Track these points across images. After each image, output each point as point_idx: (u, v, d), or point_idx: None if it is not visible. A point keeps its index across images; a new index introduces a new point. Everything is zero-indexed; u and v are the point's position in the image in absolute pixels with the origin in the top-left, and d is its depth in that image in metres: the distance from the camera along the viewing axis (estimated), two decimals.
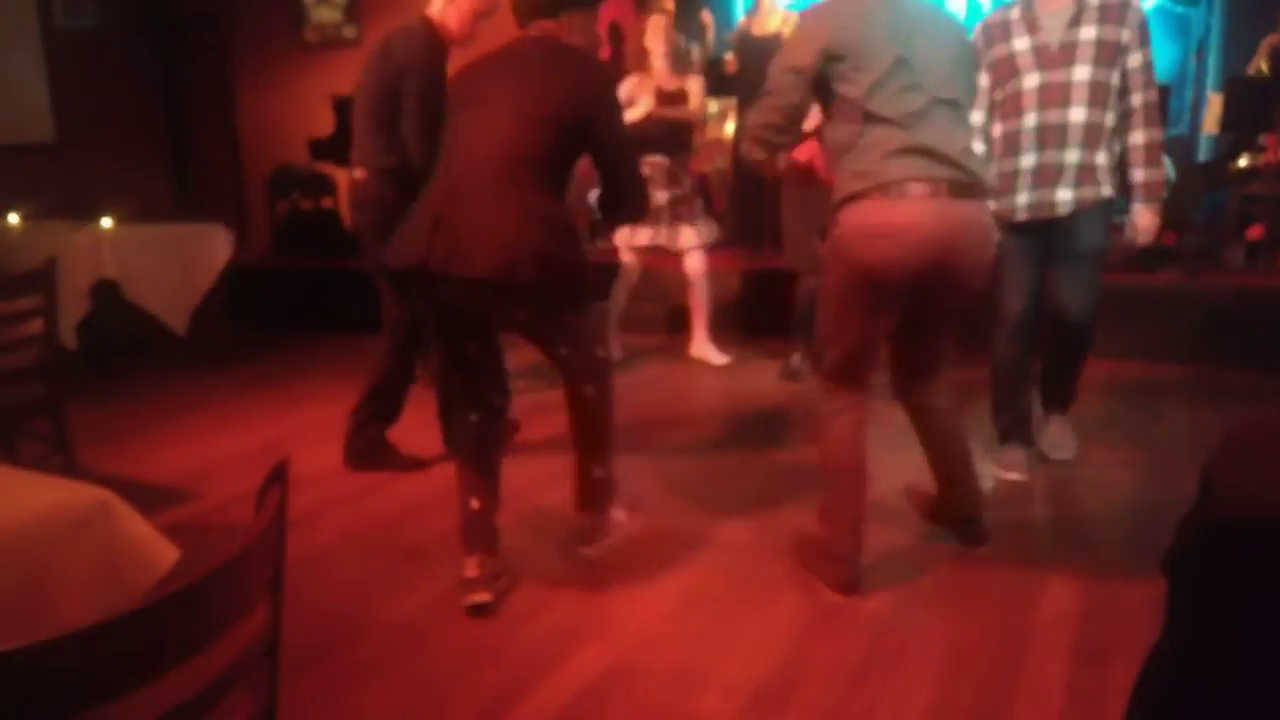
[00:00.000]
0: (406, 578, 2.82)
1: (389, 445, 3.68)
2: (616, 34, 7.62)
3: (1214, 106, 5.27)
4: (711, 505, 3.28)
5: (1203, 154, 6.41)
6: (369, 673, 2.35)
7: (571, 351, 2.68)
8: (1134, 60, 3.17)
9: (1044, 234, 3.29)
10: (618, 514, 3.05)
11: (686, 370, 5.11)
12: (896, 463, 3.30)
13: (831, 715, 2.13)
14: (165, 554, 1.42)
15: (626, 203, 2.77)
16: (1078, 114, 3.15)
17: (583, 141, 2.59)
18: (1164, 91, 5.44)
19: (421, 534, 3.11)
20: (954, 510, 2.87)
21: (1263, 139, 5.21)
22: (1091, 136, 3.16)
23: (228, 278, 5.58)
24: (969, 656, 2.35)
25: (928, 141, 2.42)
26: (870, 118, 2.44)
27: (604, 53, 6.82)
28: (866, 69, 2.43)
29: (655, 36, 4.85)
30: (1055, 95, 3.16)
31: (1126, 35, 3.13)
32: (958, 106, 2.54)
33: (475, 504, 2.70)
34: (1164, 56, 6.60)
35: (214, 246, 5.38)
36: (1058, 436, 3.63)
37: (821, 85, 2.52)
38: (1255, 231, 5.25)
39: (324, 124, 6.95)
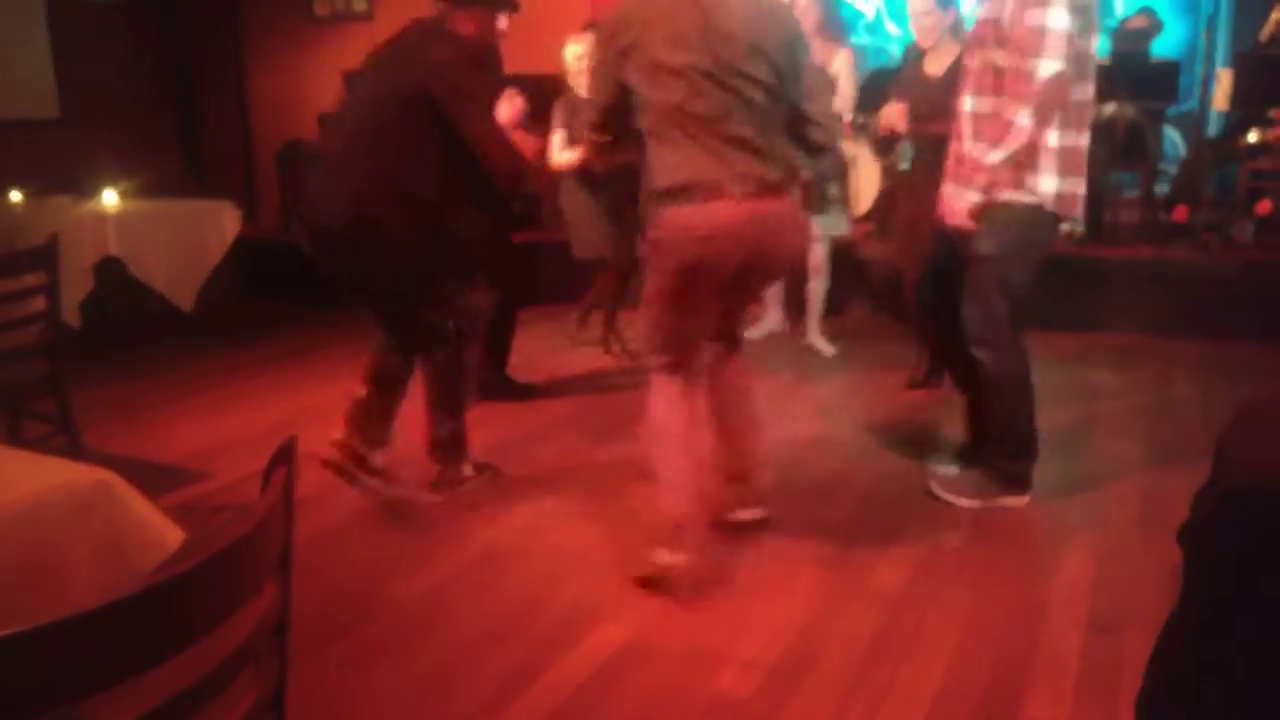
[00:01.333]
0: (420, 555, 2.80)
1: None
2: None
3: (1224, 82, 5.21)
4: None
5: (1213, 130, 6.34)
6: (384, 651, 2.33)
7: (414, 316, 2.95)
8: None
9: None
10: (466, 469, 3.22)
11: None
12: (909, 440, 3.28)
13: (848, 690, 2.11)
14: (170, 535, 1.40)
15: (495, 179, 2.91)
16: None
17: (435, 116, 2.74)
18: (1174, 67, 5.38)
19: (435, 511, 3.09)
20: (731, 472, 2.82)
21: (1273, 114, 5.14)
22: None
23: (237, 253, 5.54)
24: (984, 630, 2.33)
25: (737, 140, 2.42)
26: (680, 113, 2.40)
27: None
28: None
29: (806, 10, 4.39)
30: None
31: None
32: (777, 100, 2.49)
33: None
34: (1174, 33, 6.52)
35: (221, 222, 5.34)
36: (950, 484, 3.10)
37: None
38: (1265, 206, 5.20)
39: (334, 99, 6.88)
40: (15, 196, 5.30)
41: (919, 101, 3.68)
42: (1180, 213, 5.53)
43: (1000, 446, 2.98)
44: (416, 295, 2.96)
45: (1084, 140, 2.82)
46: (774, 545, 2.79)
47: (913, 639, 2.29)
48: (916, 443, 3.57)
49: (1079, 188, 2.84)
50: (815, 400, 4.17)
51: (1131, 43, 5.55)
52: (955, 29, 3.70)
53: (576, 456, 3.52)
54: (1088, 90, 2.81)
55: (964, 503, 3.00)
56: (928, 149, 3.58)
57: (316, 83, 7.43)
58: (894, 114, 3.78)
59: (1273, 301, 4.69)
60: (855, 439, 3.66)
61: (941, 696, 2.08)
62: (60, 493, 1.38)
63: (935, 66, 3.69)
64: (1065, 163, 2.79)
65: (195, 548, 1.17)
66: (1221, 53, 6.57)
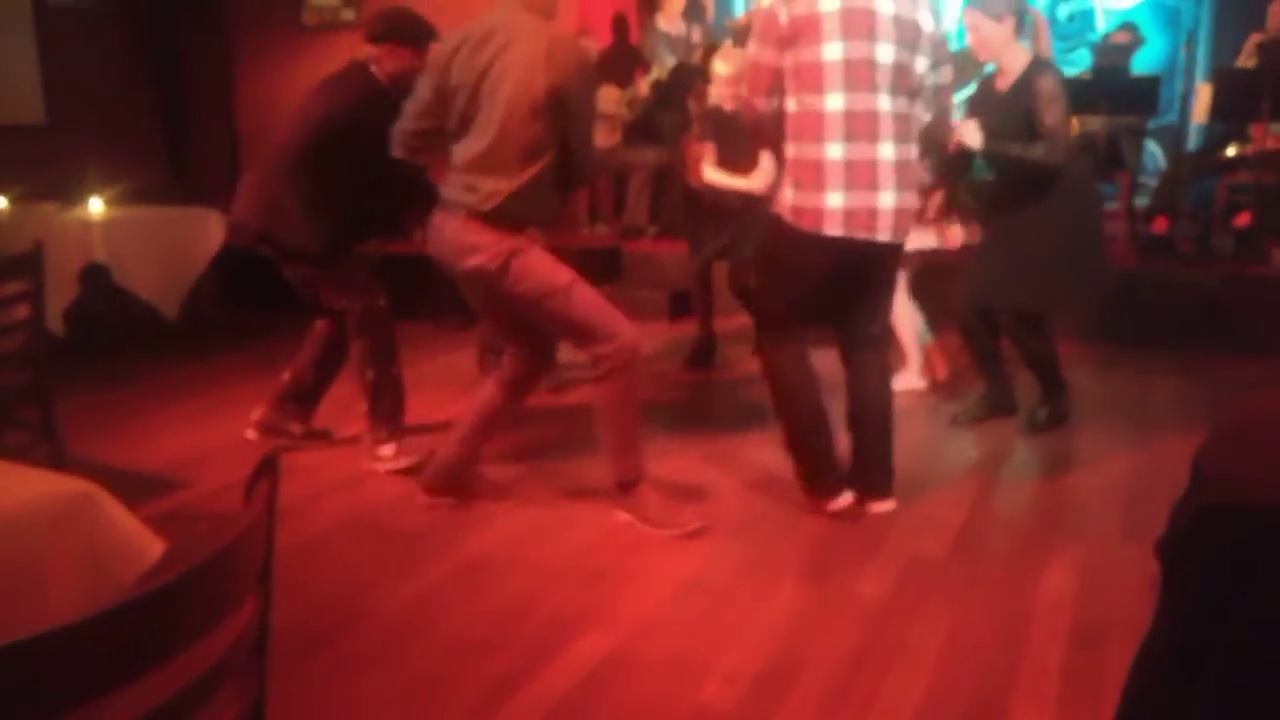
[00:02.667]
0: (403, 565, 2.80)
1: None
2: (623, 25, 7.59)
3: (1204, 96, 5.29)
4: (709, 492, 3.26)
5: (1193, 143, 6.43)
6: (367, 662, 2.32)
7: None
8: None
9: None
10: (386, 450, 3.52)
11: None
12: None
13: (832, 702, 2.11)
14: (151, 546, 1.39)
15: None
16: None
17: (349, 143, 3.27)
18: (1155, 82, 5.45)
19: (417, 521, 3.08)
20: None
21: (1251, 128, 5.21)
22: None
23: (224, 261, 5.52)
24: (967, 642, 2.34)
25: (459, 162, 2.83)
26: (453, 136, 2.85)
27: (606, 42, 6.79)
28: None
29: None
30: None
31: None
32: (497, 116, 2.75)
33: None
34: (1155, 47, 6.64)
35: (208, 230, 5.32)
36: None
37: None
38: (1243, 219, 5.28)
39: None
40: (0, 203, 5.27)
41: (990, 118, 3.44)
42: (1160, 224, 5.60)
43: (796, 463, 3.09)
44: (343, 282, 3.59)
45: (835, 152, 2.67)
46: (757, 556, 2.80)
47: (896, 651, 2.30)
48: (899, 455, 3.58)
49: (845, 201, 2.69)
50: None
51: (1113, 57, 5.63)
52: (1023, 32, 3.48)
53: (561, 466, 3.52)
54: (869, 100, 2.66)
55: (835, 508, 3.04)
56: (1000, 168, 3.61)
57: (305, 90, 7.42)
58: (969, 130, 3.43)
59: (1252, 313, 4.75)
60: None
61: (925, 709, 2.08)
62: (42, 504, 1.37)
63: (1002, 80, 3.48)
64: (799, 176, 2.72)
65: (176, 559, 1.17)
66: (1202, 67, 6.67)
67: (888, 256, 2.88)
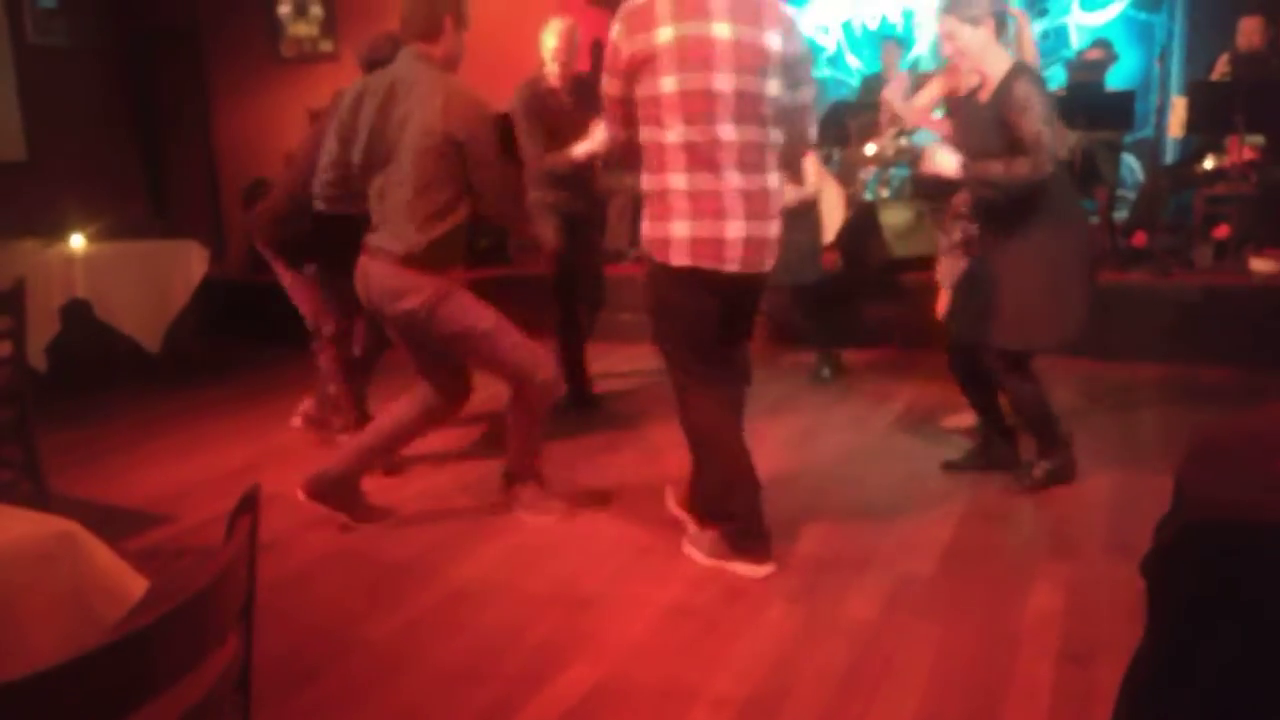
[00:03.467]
0: (389, 596, 2.78)
1: None
2: (600, 51, 7.64)
3: (1178, 110, 5.36)
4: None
5: (1169, 156, 6.51)
6: (354, 695, 2.31)
7: None
8: None
9: None
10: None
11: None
12: (879, 471, 3.30)
13: None
14: (133, 584, 1.38)
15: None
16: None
17: None
18: (1129, 97, 5.53)
19: (402, 552, 3.07)
20: None
21: (1226, 141, 5.28)
22: None
23: (204, 293, 5.52)
24: (956, 661, 2.34)
25: (380, 209, 3.00)
26: None
27: (584, 67, 6.85)
28: None
29: None
30: None
31: None
32: (404, 166, 2.91)
33: None
34: (1129, 62, 6.74)
35: (189, 263, 5.32)
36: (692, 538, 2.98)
37: None
38: (1222, 231, 5.34)
39: (300, 138, 6.90)
40: None
41: (974, 137, 3.20)
42: (1139, 238, 5.66)
43: (718, 512, 2.88)
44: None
45: (680, 183, 2.61)
46: (742, 579, 2.79)
47: (885, 671, 2.30)
48: (886, 474, 3.60)
49: (691, 231, 2.61)
50: (784, 432, 4.19)
51: (1087, 74, 5.71)
52: (1004, 36, 3.18)
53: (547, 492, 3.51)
54: (710, 130, 2.56)
55: (699, 558, 2.89)
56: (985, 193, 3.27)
57: (282, 122, 7.46)
58: (941, 158, 3.19)
59: (1233, 324, 4.79)
60: (823, 471, 3.68)
61: None
62: (23, 544, 1.36)
63: (984, 91, 3.18)
64: (650, 207, 2.67)
65: (158, 598, 1.16)
66: (1175, 81, 6.77)
67: (748, 288, 2.75)
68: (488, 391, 4.84)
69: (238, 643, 1.02)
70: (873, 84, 6.93)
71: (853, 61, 8.19)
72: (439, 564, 2.96)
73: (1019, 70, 3.06)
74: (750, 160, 2.61)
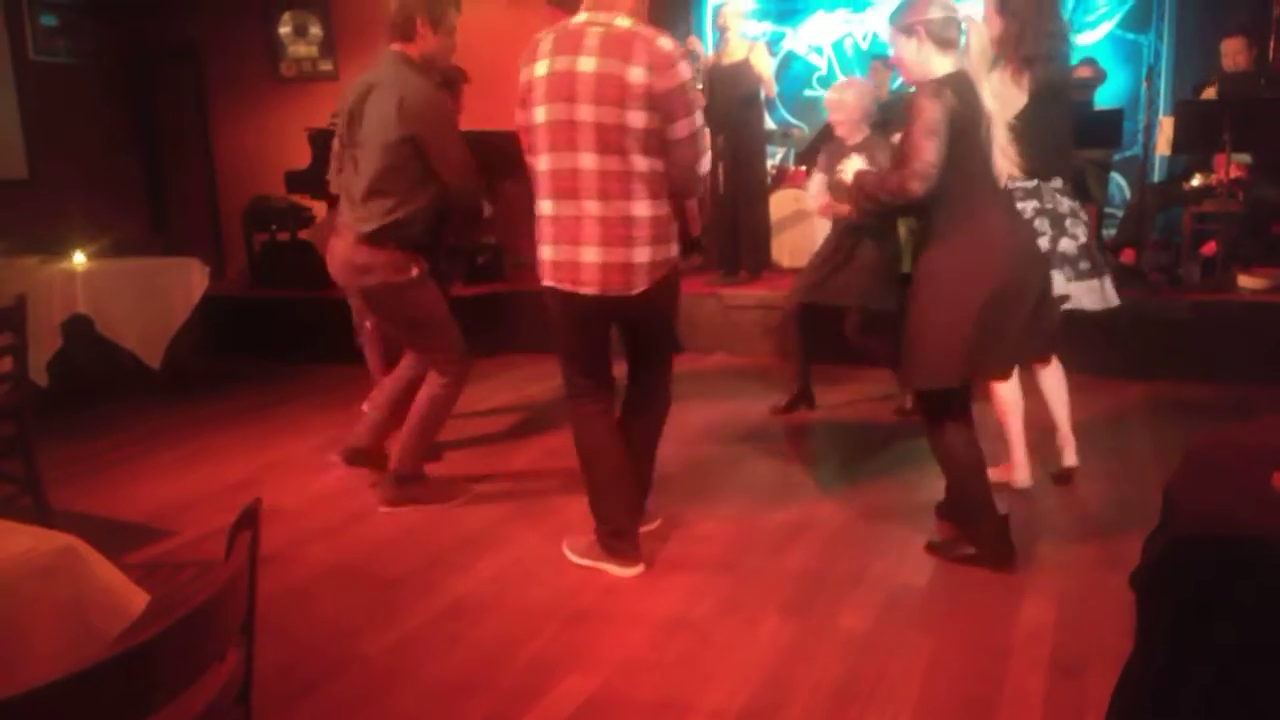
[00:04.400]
0: (387, 610, 2.80)
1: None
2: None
3: (1166, 129, 5.42)
4: (690, 529, 3.29)
5: (1157, 174, 6.57)
6: (352, 708, 2.33)
7: None
8: None
9: None
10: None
11: None
12: (872, 485, 3.32)
13: None
14: (134, 599, 1.41)
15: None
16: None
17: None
18: (1118, 115, 5.58)
19: (400, 566, 3.09)
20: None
21: (1213, 159, 5.33)
22: None
23: (205, 310, 5.55)
24: (949, 673, 2.36)
25: (351, 193, 3.34)
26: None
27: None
28: None
29: None
30: None
31: None
32: (368, 154, 3.24)
33: None
34: (1117, 82, 6.81)
35: (189, 280, 5.36)
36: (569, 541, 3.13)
37: None
38: (1210, 248, 5.39)
39: (300, 156, 6.95)
40: None
41: None
42: (1128, 255, 5.70)
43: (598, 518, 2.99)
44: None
45: (546, 209, 2.80)
46: (739, 592, 2.82)
47: (878, 684, 2.32)
48: (880, 485, 3.62)
49: (552, 255, 2.81)
50: (778, 443, 4.22)
51: (1076, 92, 5.75)
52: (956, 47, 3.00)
53: (540, 507, 3.54)
54: (571, 159, 2.71)
55: (574, 559, 3.04)
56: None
57: (282, 141, 7.51)
58: (847, 169, 3.51)
59: (1221, 340, 4.83)
60: (815, 483, 3.71)
61: None
62: (25, 559, 1.39)
63: None
64: (541, 231, 2.86)
65: (159, 612, 1.19)
66: (1163, 100, 6.84)
67: (623, 311, 2.84)
68: (482, 405, 4.87)
69: (238, 657, 1.05)
70: None
71: (842, 78, 8.26)
72: (436, 578, 2.99)
73: (938, 83, 2.74)
74: (612, 189, 2.71)
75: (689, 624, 2.65)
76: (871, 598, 2.75)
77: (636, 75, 2.63)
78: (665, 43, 2.68)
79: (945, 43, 2.75)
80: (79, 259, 5.11)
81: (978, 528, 2.91)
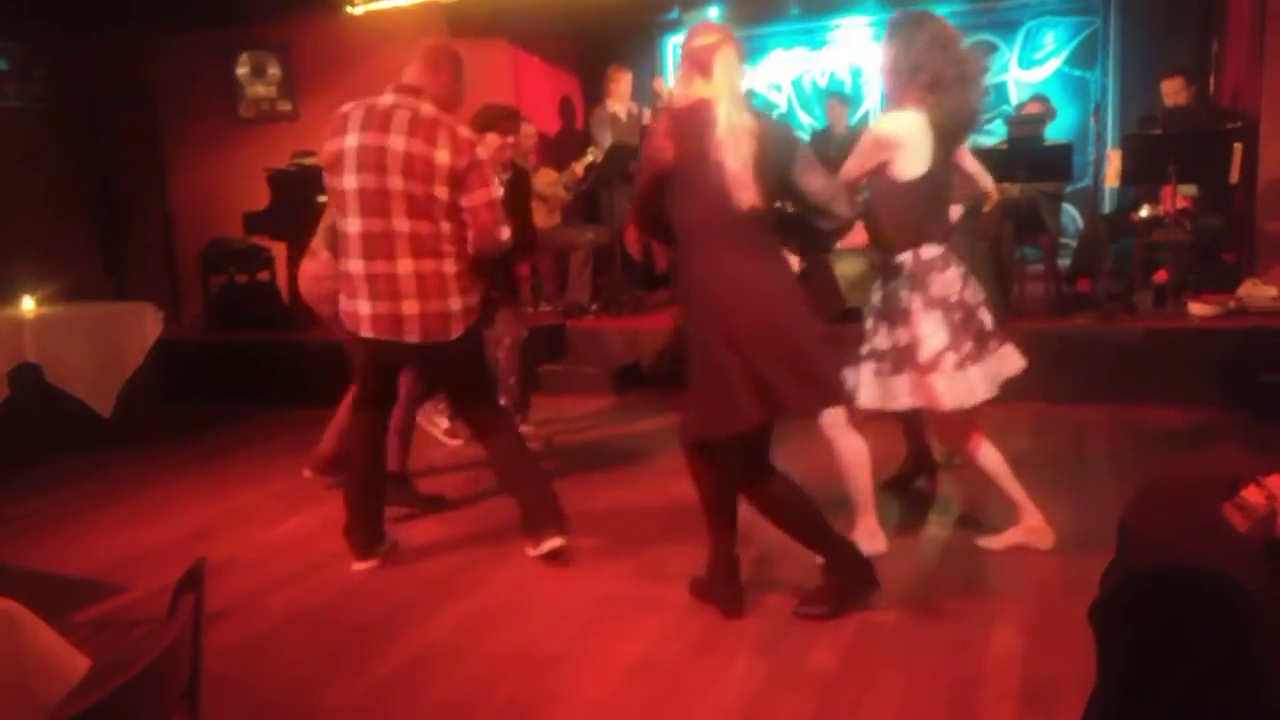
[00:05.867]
0: (351, 660, 2.73)
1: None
2: (569, 109, 7.79)
3: (1114, 162, 5.56)
4: (661, 569, 3.25)
5: (1108, 205, 6.73)
6: None
7: None
8: None
9: None
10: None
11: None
12: (838, 521, 3.30)
13: None
14: (74, 664, 1.35)
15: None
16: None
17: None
18: (1067, 149, 5.72)
19: (363, 615, 3.02)
20: None
21: (1161, 190, 5.47)
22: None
23: (159, 356, 5.45)
24: (919, 707, 2.35)
25: None
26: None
27: (554, 126, 6.97)
28: None
29: None
30: None
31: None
32: None
33: None
34: (1066, 117, 7.00)
35: (142, 325, 5.26)
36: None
37: None
38: (1161, 275, 5.51)
39: (259, 198, 6.90)
40: None
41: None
42: (1083, 284, 5.81)
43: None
44: None
45: (358, 268, 3.11)
46: (709, 633, 2.79)
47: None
48: (848, 519, 3.61)
49: (370, 309, 3.12)
50: None
51: (1027, 128, 5.90)
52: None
53: (505, 550, 3.49)
54: (384, 223, 3.06)
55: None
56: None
57: (240, 182, 7.45)
58: None
59: (1175, 366, 4.92)
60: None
61: None
62: None
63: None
64: (353, 288, 3.16)
65: (100, 678, 1.14)
66: (1111, 133, 7.03)
67: (433, 354, 3.21)
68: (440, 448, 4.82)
69: None
70: (821, 139, 7.10)
71: (804, 118, 8.40)
72: (400, 627, 2.92)
73: (667, 116, 2.80)
74: (420, 249, 3.08)
75: (660, 666, 2.61)
76: (840, 634, 2.73)
77: (441, 156, 3.03)
78: (463, 130, 3.11)
79: (705, 70, 2.64)
80: (28, 305, 5.00)
81: (833, 571, 2.83)
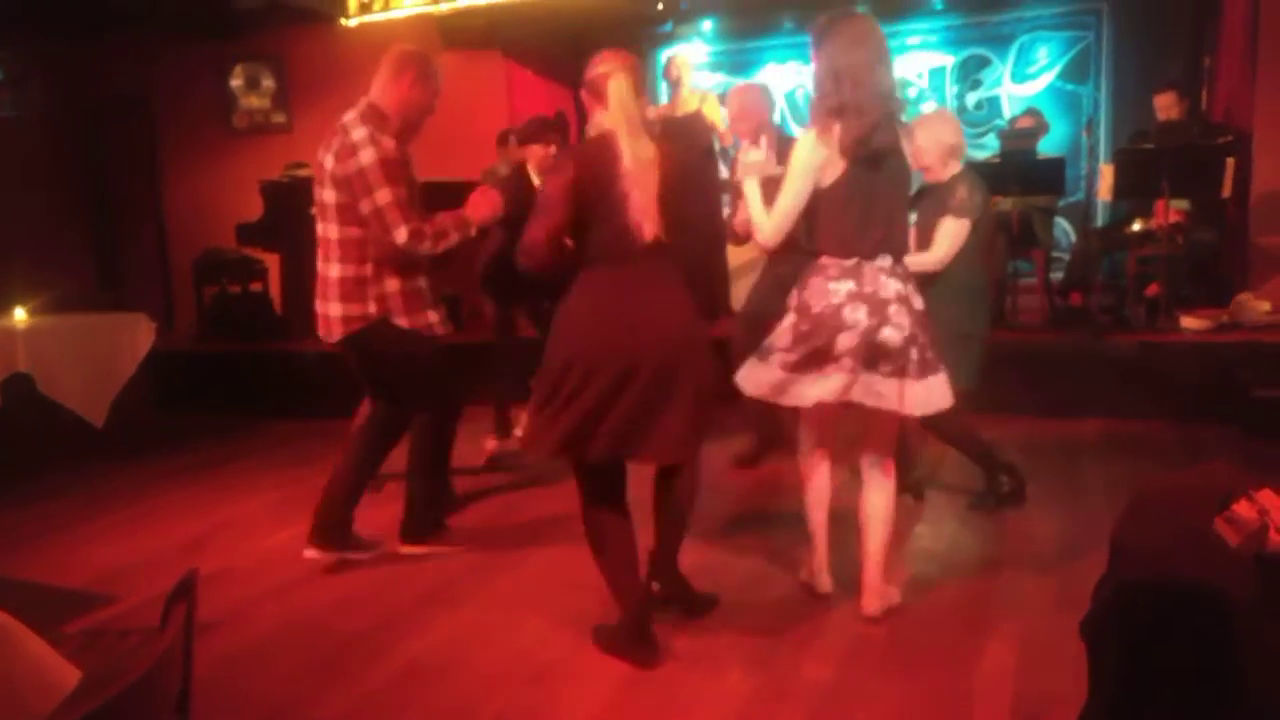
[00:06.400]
0: (342, 671, 2.72)
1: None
2: (564, 127, 7.80)
3: (1106, 176, 5.58)
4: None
5: (1101, 219, 6.76)
6: None
7: None
8: None
9: None
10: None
11: None
12: (830, 533, 3.30)
13: None
14: (66, 676, 1.34)
15: None
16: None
17: None
18: (1060, 163, 5.75)
19: (355, 626, 3.01)
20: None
21: (1154, 204, 5.50)
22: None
23: (154, 365, 5.44)
24: None
25: None
26: None
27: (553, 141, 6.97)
28: None
29: None
30: None
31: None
32: None
33: None
34: (1058, 131, 7.04)
35: (135, 335, 5.25)
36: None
37: None
38: (1153, 289, 5.53)
39: (252, 209, 6.90)
40: None
41: None
42: (1075, 298, 5.83)
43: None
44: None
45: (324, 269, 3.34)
46: (700, 646, 2.78)
47: None
48: (837, 536, 3.61)
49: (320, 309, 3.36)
50: (735, 492, 4.21)
51: (1020, 142, 5.93)
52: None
53: (498, 562, 3.48)
54: (322, 230, 3.31)
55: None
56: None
57: (235, 193, 7.46)
58: None
59: (1167, 380, 4.93)
60: (776, 535, 3.69)
61: None
62: None
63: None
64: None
65: (91, 689, 1.13)
66: (1103, 148, 7.06)
67: (349, 355, 3.39)
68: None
69: None
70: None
71: (797, 130, 8.43)
72: (392, 638, 2.91)
73: (569, 148, 3.21)
74: (348, 254, 3.25)
75: (651, 680, 2.60)
76: (833, 648, 2.73)
77: (328, 161, 3.21)
78: (357, 133, 3.17)
79: (601, 99, 2.64)
80: (20, 316, 4.99)
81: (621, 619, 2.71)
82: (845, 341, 2.68)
